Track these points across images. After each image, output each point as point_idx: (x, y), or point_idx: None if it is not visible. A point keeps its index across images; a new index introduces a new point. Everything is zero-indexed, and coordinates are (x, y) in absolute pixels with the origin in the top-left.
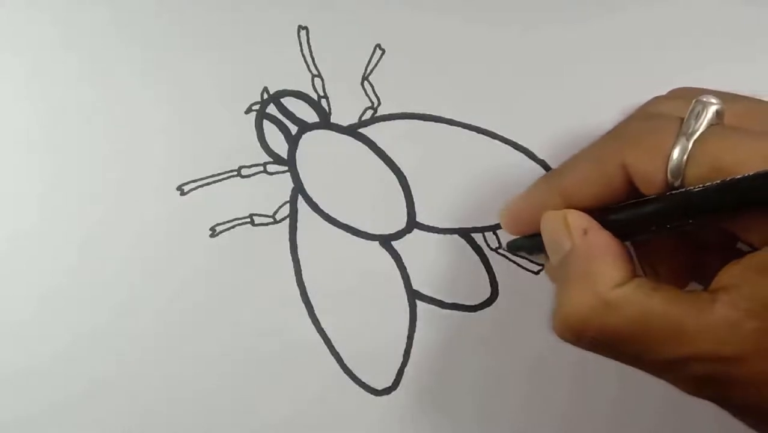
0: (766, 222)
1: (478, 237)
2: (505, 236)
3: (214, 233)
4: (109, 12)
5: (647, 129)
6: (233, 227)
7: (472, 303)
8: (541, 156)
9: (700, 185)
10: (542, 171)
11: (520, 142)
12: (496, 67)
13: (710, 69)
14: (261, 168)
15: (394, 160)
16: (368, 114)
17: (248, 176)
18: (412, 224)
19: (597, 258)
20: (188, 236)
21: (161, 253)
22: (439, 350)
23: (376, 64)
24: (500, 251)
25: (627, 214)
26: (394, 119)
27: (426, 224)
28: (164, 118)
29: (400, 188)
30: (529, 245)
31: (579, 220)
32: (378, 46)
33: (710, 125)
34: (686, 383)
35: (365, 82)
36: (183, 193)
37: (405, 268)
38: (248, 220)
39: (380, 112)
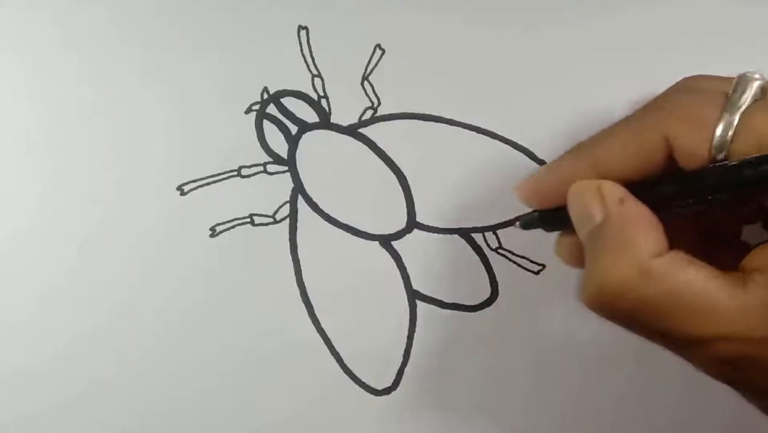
0: None
1: (478, 237)
2: (505, 236)
3: (214, 233)
4: (109, 12)
5: (691, 102)
6: (233, 227)
7: (472, 303)
8: (541, 156)
9: (750, 157)
10: None
11: (520, 142)
12: (496, 67)
13: (710, 69)
14: (261, 168)
15: (394, 160)
16: (368, 114)
17: (248, 176)
18: (412, 224)
19: (634, 227)
20: (188, 236)
21: (161, 253)
22: (439, 350)
23: (376, 64)
24: (500, 250)
25: (670, 188)
26: (394, 119)
27: (426, 224)
28: (164, 118)
29: (400, 188)
30: (549, 219)
31: (614, 189)
32: (378, 46)
33: (755, 100)
34: (709, 364)
35: (365, 82)
36: (183, 194)
37: (405, 268)
38: (248, 220)
39: (380, 112)
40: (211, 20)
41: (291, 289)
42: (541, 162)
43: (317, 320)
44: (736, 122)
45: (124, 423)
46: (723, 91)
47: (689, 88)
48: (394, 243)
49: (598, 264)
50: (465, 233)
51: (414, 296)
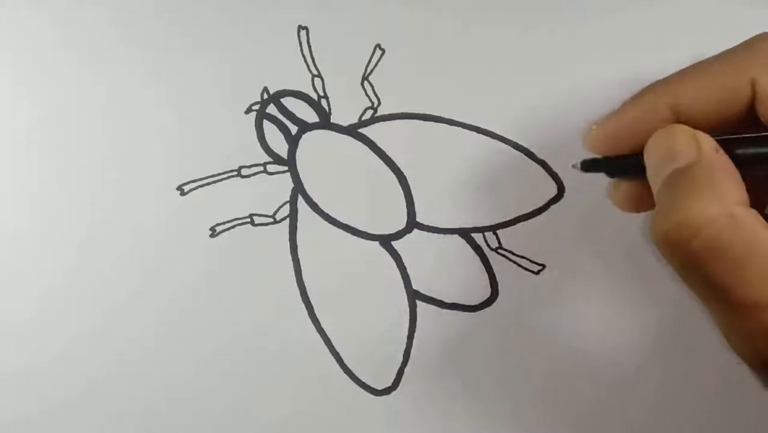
0: None
1: (478, 237)
2: (505, 236)
3: (214, 233)
4: (109, 12)
5: None
6: (233, 227)
7: (472, 303)
8: (541, 156)
9: None
10: (542, 171)
11: (520, 142)
12: (496, 67)
13: None
14: (261, 168)
15: (394, 160)
16: (368, 114)
17: (248, 176)
18: (412, 223)
19: (726, 175)
20: (188, 236)
21: (161, 253)
22: (439, 350)
23: (376, 64)
24: (500, 250)
25: (756, 149)
26: (394, 119)
27: (426, 224)
28: (164, 118)
29: (400, 188)
30: (614, 165)
31: (710, 139)
32: (378, 46)
33: None
34: (758, 337)
35: (365, 82)
36: (183, 194)
37: (405, 268)
38: (248, 220)
39: (380, 112)
40: (211, 20)
41: (291, 289)
42: (541, 162)
43: (317, 320)
44: None
45: (124, 423)
46: None
47: None
48: (394, 243)
49: (682, 201)
50: (465, 233)
51: (414, 296)
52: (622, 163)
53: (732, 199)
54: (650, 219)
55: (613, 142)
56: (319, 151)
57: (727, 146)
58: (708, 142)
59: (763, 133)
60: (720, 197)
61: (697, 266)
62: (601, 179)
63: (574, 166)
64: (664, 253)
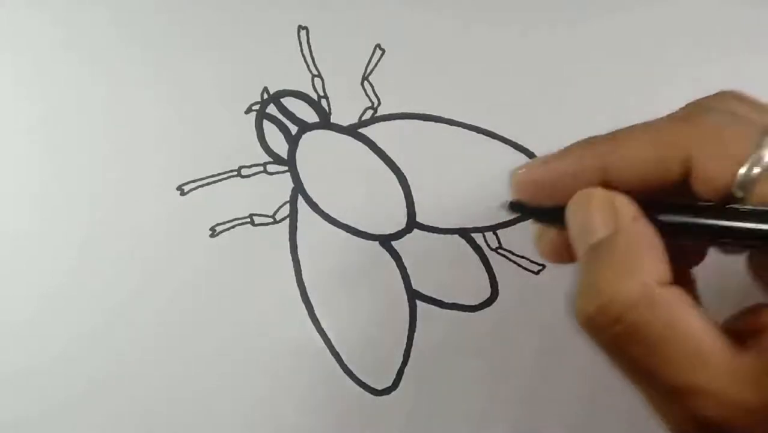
0: None
1: (478, 237)
2: (505, 236)
3: (214, 233)
4: (109, 12)
5: (726, 126)
6: (233, 227)
7: (472, 303)
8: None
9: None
10: None
11: (520, 142)
12: (496, 67)
13: (710, 69)
14: (261, 168)
15: (394, 160)
16: (368, 114)
17: (248, 176)
18: (412, 224)
19: (645, 249)
20: (188, 236)
21: (161, 253)
22: (439, 350)
23: (376, 64)
24: (500, 250)
25: (681, 217)
26: (394, 119)
27: (426, 224)
28: (164, 118)
29: (400, 188)
30: (539, 213)
31: (629, 206)
32: (378, 46)
33: None
34: (685, 420)
35: (365, 82)
36: (183, 194)
37: (405, 268)
38: (248, 220)
39: (380, 112)
40: (211, 20)
41: (291, 289)
42: None
43: (317, 320)
44: (767, 162)
45: (124, 423)
46: (763, 124)
47: (725, 108)
48: (394, 243)
49: (601, 280)
50: (465, 233)
51: (414, 296)
52: (546, 213)
53: (652, 278)
54: (573, 295)
55: (538, 190)
56: (319, 151)
57: (652, 211)
58: (627, 212)
59: (700, 203)
60: (640, 277)
61: (621, 350)
62: None
63: (501, 205)
64: (587, 334)
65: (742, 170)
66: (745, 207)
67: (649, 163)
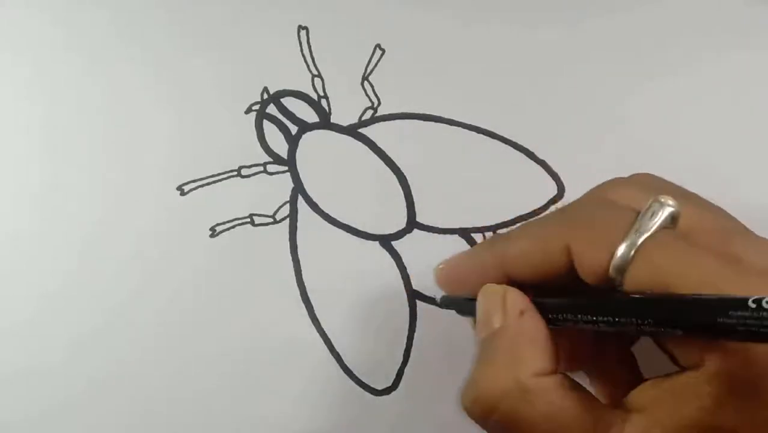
0: (692, 344)
1: (478, 237)
2: None
3: (214, 233)
4: (109, 12)
5: (599, 217)
6: (233, 227)
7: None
8: (541, 156)
9: (637, 294)
10: (542, 171)
11: (520, 142)
12: (496, 67)
13: (710, 68)
14: (261, 168)
15: (394, 160)
16: (368, 114)
17: (248, 176)
18: (412, 223)
19: (526, 343)
20: (188, 236)
21: (161, 253)
22: (439, 350)
23: (376, 64)
24: None
25: (563, 305)
26: (394, 119)
27: (426, 224)
28: (164, 118)
29: (400, 188)
30: (462, 307)
31: (517, 300)
32: (378, 46)
33: (662, 228)
34: None
35: (365, 82)
36: (183, 194)
37: (405, 268)
38: (248, 220)
39: (380, 112)
40: (211, 20)
41: (291, 289)
42: (541, 162)
43: (317, 320)
44: (637, 248)
45: (124, 423)
46: (634, 211)
47: (601, 199)
48: (394, 243)
49: (482, 374)
50: (465, 233)
51: (414, 296)
52: (469, 305)
53: (528, 370)
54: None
55: (455, 284)
56: (319, 151)
57: (543, 306)
58: (514, 307)
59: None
60: (515, 369)
61: None
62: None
63: (439, 302)
64: (474, 420)
65: (615, 256)
66: (615, 291)
67: (536, 257)
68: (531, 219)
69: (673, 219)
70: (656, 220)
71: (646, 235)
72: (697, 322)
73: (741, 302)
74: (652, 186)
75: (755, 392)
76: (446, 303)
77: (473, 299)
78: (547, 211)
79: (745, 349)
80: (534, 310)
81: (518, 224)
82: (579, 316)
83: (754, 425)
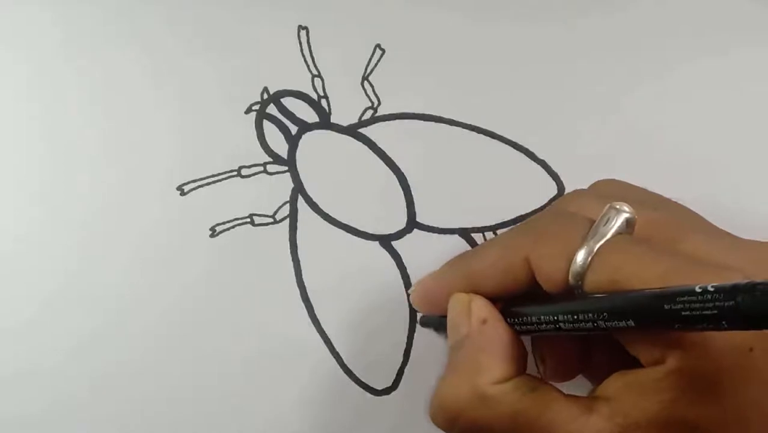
0: (652, 341)
1: (478, 237)
2: None
3: (214, 233)
4: (109, 12)
5: (556, 228)
6: (233, 227)
7: None
8: (541, 156)
9: (595, 293)
10: (542, 171)
11: (520, 142)
12: (496, 67)
13: (710, 68)
14: (261, 168)
15: (394, 160)
16: (368, 114)
17: (248, 176)
18: (412, 223)
19: (486, 350)
20: (188, 236)
21: (161, 253)
22: (439, 350)
23: (376, 64)
24: None
25: (526, 310)
26: (394, 119)
27: (426, 224)
28: (164, 118)
29: (400, 188)
30: (437, 324)
31: (481, 308)
32: (378, 46)
33: (618, 233)
34: None
35: (365, 82)
36: (183, 194)
37: (405, 268)
38: (248, 220)
39: (380, 112)
40: (212, 20)
41: (291, 289)
42: (541, 162)
43: (317, 320)
44: (593, 253)
45: (124, 423)
46: (590, 219)
47: (561, 211)
48: (394, 243)
49: (446, 382)
50: (465, 233)
51: None
52: (442, 324)
53: (486, 378)
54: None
55: (428, 304)
56: (319, 151)
57: (509, 313)
58: (477, 315)
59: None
60: (475, 377)
61: None
62: (600, 178)
63: (418, 323)
64: (438, 427)
65: (574, 263)
66: (576, 294)
67: (499, 269)
68: (494, 236)
69: (628, 224)
70: (611, 226)
71: (602, 241)
72: (647, 310)
73: (688, 290)
74: (610, 194)
75: (714, 387)
76: (424, 323)
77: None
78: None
79: (703, 345)
80: (497, 317)
81: (480, 244)
82: (541, 318)
83: (714, 417)
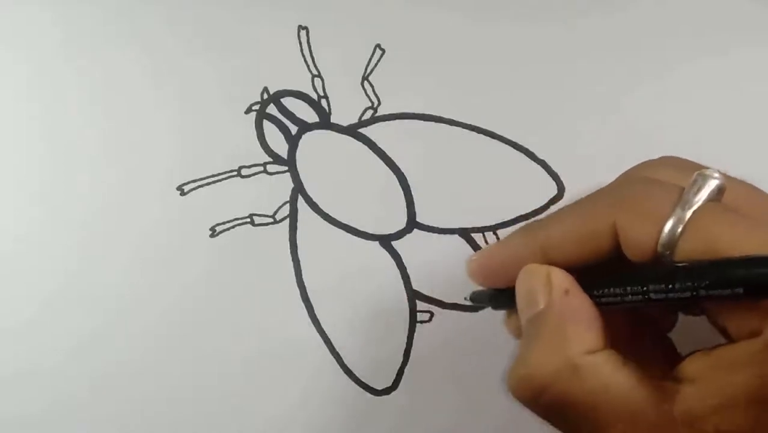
0: (749, 313)
1: (478, 237)
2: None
3: (214, 233)
4: (109, 12)
5: (645, 193)
6: (233, 227)
7: None
8: (541, 156)
9: (689, 262)
10: (542, 171)
11: (520, 142)
12: (496, 67)
13: (711, 67)
14: (261, 168)
15: (394, 160)
16: (368, 114)
17: (248, 176)
18: (412, 223)
19: (573, 321)
20: (188, 236)
21: (161, 253)
22: (439, 349)
23: (376, 64)
24: None
25: (611, 281)
26: (394, 119)
27: (426, 224)
28: (164, 118)
29: (400, 188)
30: (497, 299)
31: (562, 279)
32: (378, 46)
33: (709, 200)
34: None
35: (365, 82)
36: (183, 194)
37: (405, 268)
38: (248, 220)
39: (380, 112)
40: (212, 20)
41: (291, 289)
42: (541, 162)
43: (317, 320)
44: (686, 220)
45: (124, 423)
46: (679, 186)
47: (644, 177)
48: (394, 243)
49: (530, 353)
50: (465, 233)
51: (414, 296)
52: (502, 297)
53: (577, 349)
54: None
55: (490, 275)
56: (319, 151)
57: (588, 285)
58: (559, 286)
59: (623, 273)
60: (563, 348)
61: (552, 417)
62: (600, 178)
63: (465, 298)
64: (521, 402)
65: (664, 231)
66: (667, 263)
67: (581, 236)
68: (572, 202)
69: (719, 191)
70: (703, 193)
71: (694, 208)
72: (757, 276)
73: None
74: (687, 165)
75: None
76: (478, 298)
77: (506, 290)
78: (545, 211)
79: None
80: (579, 288)
81: (560, 208)
82: (628, 288)
83: None
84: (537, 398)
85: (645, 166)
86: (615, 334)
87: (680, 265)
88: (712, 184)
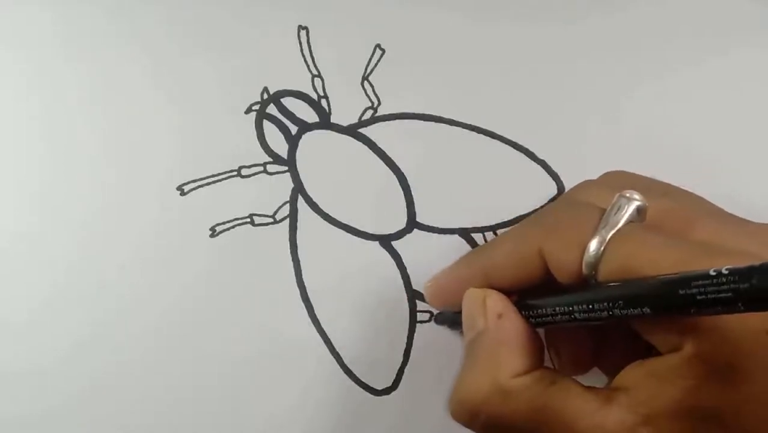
0: (669, 328)
1: (478, 237)
2: None
3: (214, 233)
4: (109, 11)
5: (567, 218)
6: (233, 227)
7: None
8: (541, 156)
9: (610, 282)
10: (542, 171)
11: (520, 142)
12: (496, 67)
13: (712, 68)
14: (261, 168)
15: (394, 160)
16: (368, 114)
17: (248, 176)
18: (412, 223)
19: (504, 344)
20: (188, 236)
21: (161, 253)
22: (438, 350)
23: (376, 64)
24: None
25: (541, 303)
26: (394, 119)
27: (426, 224)
28: (164, 118)
29: (400, 188)
30: (453, 320)
31: (497, 303)
32: (378, 46)
33: (629, 222)
34: None
35: (365, 82)
36: (183, 194)
37: (405, 268)
38: (248, 220)
39: (380, 112)
40: (211, 20)
41: (291, 289)
42: (541, 162)
43: (317, 320)
44: (606, 242)
45: (124, 423)
46: (602, 208)
47: (572, 201)
48: (394, 243)
49: (466, 377)
50: (465, 233)
51: (414, 296)
52: (458, 320)
53: (506, 372)
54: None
55: (444, 298)
56: (319, 151)
57: (525, 306)
58: (492, 309)
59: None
60: (494, 372)
61: None
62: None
63: (431, 319)
64: (462, 425)
65: (587, 253)
66: (589, 284)
67: (516, 261)
68: (507, 228)
69: (639, 212)
70: (623, 214)
71: (614, 230)
72: (661, 296)
73: (702, 274)
74: (620, 183)
75: (733, 370)
76: (440, 320)
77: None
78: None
79: (719, 329)
80: (513, 311)
81: (496, 237)
82: (556, 309)
83: (735, 401)
84: (473, 421)
85: (579, 187)
86: (584, 351)
87: (597, 286)
88: (632, 206)
